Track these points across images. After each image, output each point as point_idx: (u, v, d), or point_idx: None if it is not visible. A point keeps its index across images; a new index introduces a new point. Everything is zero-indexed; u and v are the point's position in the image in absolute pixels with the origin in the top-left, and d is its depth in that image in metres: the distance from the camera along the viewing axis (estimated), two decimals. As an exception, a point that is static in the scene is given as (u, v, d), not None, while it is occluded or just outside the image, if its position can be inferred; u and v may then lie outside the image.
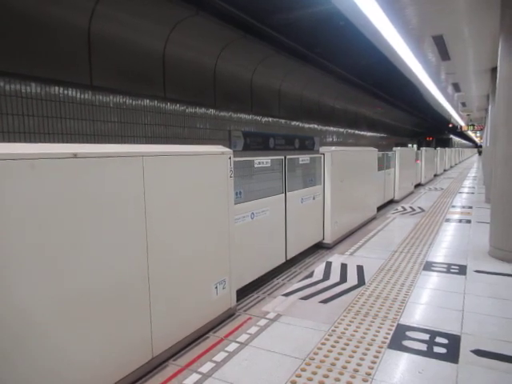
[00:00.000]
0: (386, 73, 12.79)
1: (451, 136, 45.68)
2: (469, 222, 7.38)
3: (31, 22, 6.25)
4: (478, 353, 2.71)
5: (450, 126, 32.22)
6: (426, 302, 3.63)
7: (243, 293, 3.96)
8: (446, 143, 41.78)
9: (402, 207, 9.42)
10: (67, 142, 6.61)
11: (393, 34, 7.10)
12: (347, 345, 2.85)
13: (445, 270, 4.54)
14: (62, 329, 2.05)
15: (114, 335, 2.33)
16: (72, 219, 2.08)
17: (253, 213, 4.15)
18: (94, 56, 7.27)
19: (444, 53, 8.49)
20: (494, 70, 9.58)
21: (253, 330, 3.14)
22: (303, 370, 2.55)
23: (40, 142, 6.20)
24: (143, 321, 2.54)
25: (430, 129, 37.48)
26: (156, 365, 2.66)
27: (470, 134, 44.69)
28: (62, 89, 6.69)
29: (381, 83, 17.02)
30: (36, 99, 6.31)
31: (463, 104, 19.58)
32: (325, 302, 3.66)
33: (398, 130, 31.84)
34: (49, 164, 1.97)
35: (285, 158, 4.84)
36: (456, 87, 13.61)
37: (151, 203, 2.56)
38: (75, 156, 2.09)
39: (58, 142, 6.54)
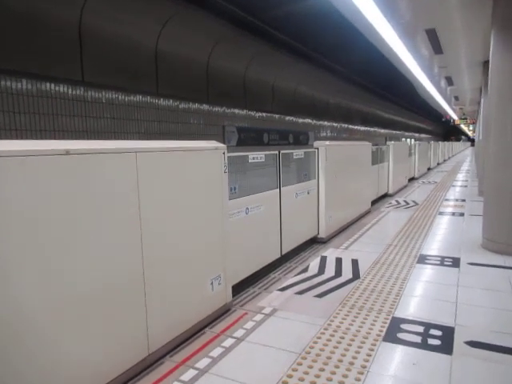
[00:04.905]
0: (380, 67, 12.78)
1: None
2: (462, 214, 7.43)
3: (21, 18, 6.16)
4: (472, 344, 2.74)
5: (444, 119, 32.68)
6: (420, 295, 3.66)
7: (239, 288, 3.96)
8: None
9: (396, 201, 9.47)
10: (59, 139, 6.55)
11: (386, 27, 7.10)
12: (342, 338, 2.87)
13: (439, 262, 4.58)
14: (58, 326, 2.04)
15: (109, 332, 2.32)
16: (64, 217, 2.06)
17: (247, 208, 4.15)
18: (85, 51, 7.19)
19: (437, 46, 8.51)
20: (486, 63, 9.62)
21: (249, 325, 3.15)
22: (299, 364, 2.56)
23: (31, 139, 6.13)
24: (139, 318, 2.54)
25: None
26: (152, 361, 2.66)
27: (463, 127, 45.92)
28: (53, 85, 6.61)
29: (375, 78, 17.03)
30: (27, 95, 6.24)
31: (456, 98, 19.66)
32: (320, 296, 3.68)
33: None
34: (40, 161, 1.94)
35: (279, 152, 4.84)
36: (449, 81, 13.66)
37: (145, 199, 2.55)
38: (67, 153, 2.06)
39: (50, 138, 6.47)
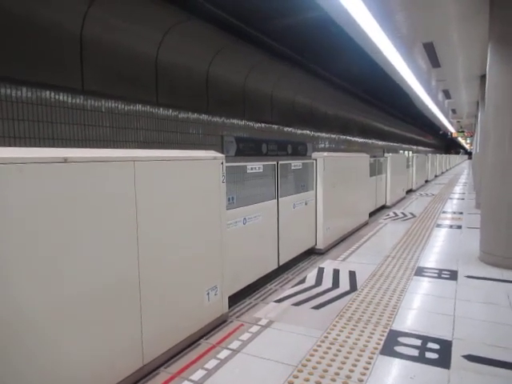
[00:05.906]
0: (377, 79, 12.90)
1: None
2: (459, 227, 7.43)
3: (22, 25, 6.20)
4: (470, 358, 2.71)
5: (441, 132, 32.99)
6: (417, 308, 3.64)
7: (235, 299, 3.93)
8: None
9: (394, 213, 9.47)
10: (58, 147, 6.55)
11: (384, 40, 7.18)
12: (339, 351, 2.84)
13: (436, 275, 4.56)
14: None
15: (103, 342, 2.29)
16: (62, 224, 2.05)
17: (245, 218, 4.14)
18: (86, 60, 7.23)
19: (434, 60, 8.61)
20: (483, 76, 9.74)
21: (245, 336, 3.12)
22: (295, 376, 2.53)
23: (30, 146, 6.13)
24: (134, 328, 2.51)
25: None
26: (147, 372, 2.63)
27: (461, 140, 46.25)
28: (53, 93, 6.63)
29: (372, 89, 17.18)
30: (27, 103, 6.25)
31: (453, 111, 19.83)
32: (317, 308, 3.65)
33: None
34: (39, 168, 1.94)
35: (277, 163, 4.85)
36: (446, 94, 13.79)
37: (142, 208, 2.54)
38: (66, 161, 2.06)
39: (49, 146, 6.47)
